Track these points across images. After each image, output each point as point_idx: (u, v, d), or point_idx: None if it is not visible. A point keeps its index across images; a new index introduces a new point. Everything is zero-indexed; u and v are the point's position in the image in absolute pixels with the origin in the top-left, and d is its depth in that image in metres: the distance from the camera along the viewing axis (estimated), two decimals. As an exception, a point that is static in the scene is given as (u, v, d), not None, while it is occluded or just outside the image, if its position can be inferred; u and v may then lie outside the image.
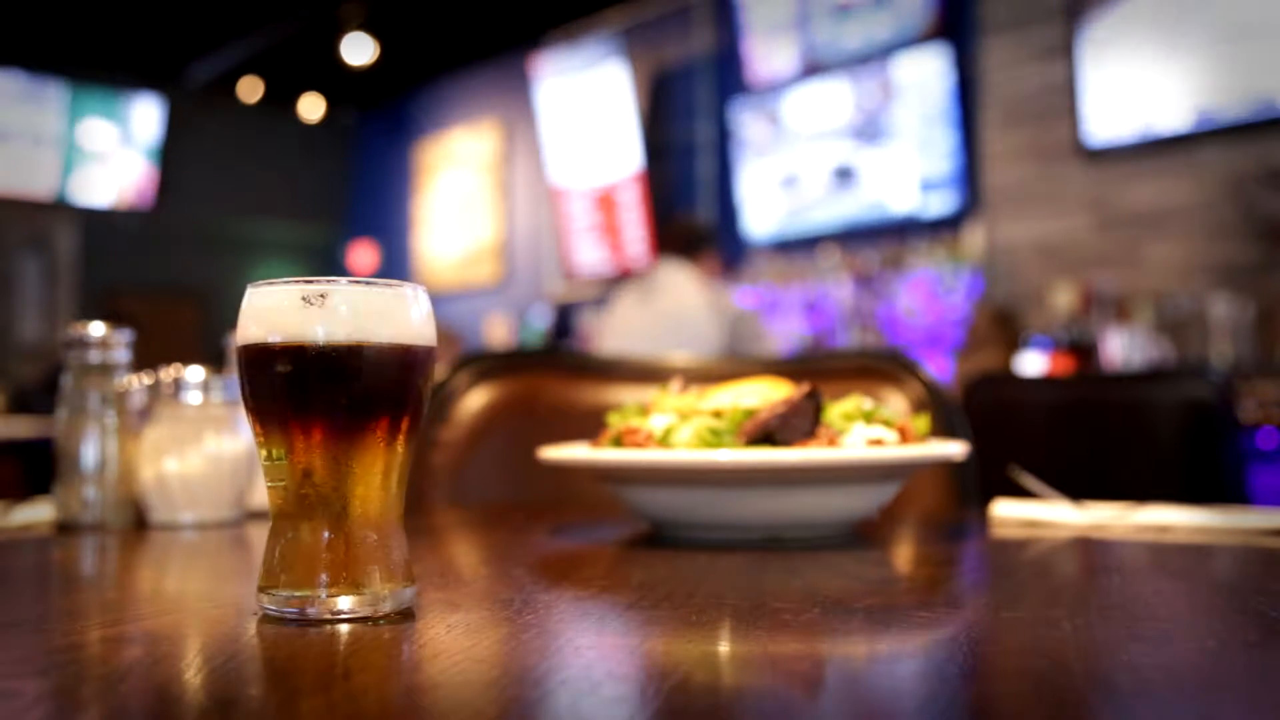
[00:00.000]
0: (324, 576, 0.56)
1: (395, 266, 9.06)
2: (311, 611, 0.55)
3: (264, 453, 0.58)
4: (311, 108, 9.04)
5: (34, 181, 8.03)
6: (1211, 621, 0.56)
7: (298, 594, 0.56)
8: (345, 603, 0.56)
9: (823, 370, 1.39)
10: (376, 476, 0.58)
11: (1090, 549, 0.84)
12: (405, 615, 0.56)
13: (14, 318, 8.04)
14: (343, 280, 0.57)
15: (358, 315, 0.57)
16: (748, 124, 6.11)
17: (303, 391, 0.56)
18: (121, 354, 1.01)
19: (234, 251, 9.16)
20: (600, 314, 4.95)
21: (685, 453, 0.81)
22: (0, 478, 3.79)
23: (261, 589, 0.57)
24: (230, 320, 0.63)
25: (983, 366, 4.28)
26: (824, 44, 5.80)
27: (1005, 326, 4.73)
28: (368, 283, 0.58)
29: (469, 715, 0.39)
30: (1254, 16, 4.30)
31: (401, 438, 0.59)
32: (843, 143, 5.72)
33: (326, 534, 0.57)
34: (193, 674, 0.46)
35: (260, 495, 1.08)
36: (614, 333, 3.67)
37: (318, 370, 0.56)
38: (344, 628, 0.53)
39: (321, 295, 0.56)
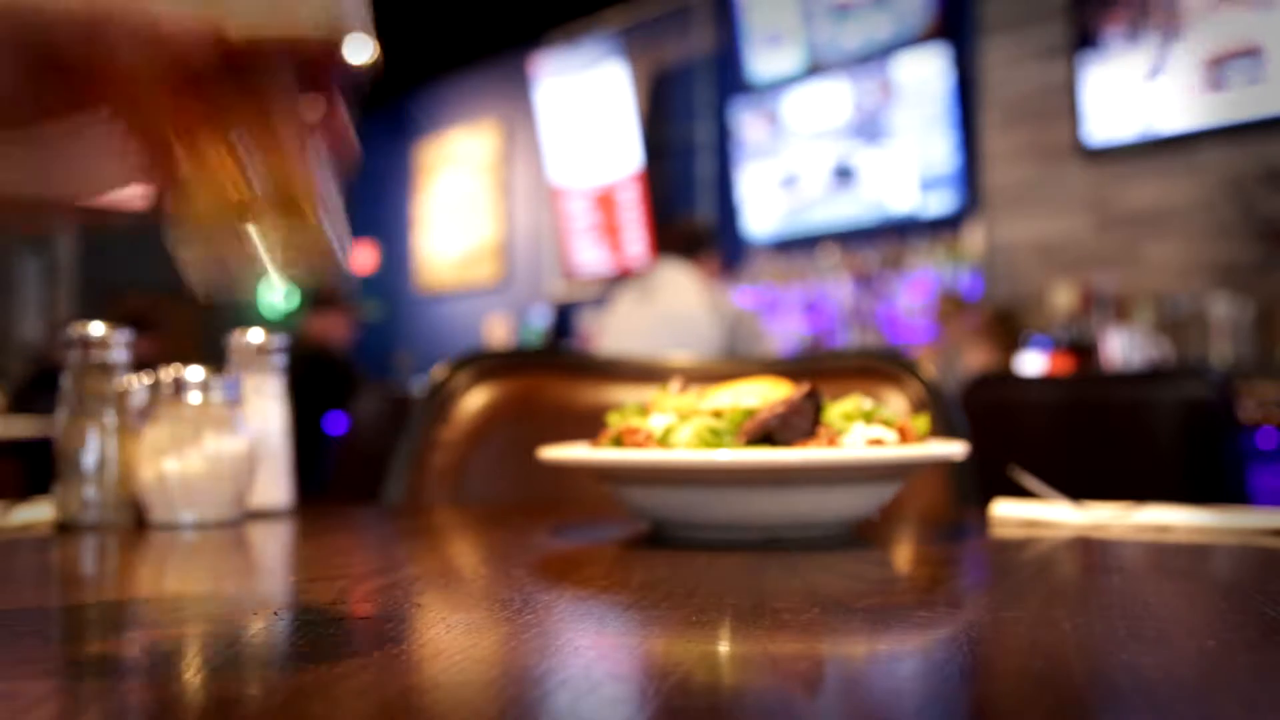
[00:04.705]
0: None
1: (395, 266, 9.05)
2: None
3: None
4: (311, 108, 9.03)
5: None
6: (1211, 621, 0.56)
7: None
8: None
9: (823, 370, 1.39)
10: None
11: (1090, 549, 0.84)
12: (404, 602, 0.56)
13: (14, 318, 8.03)
14: None
15: None
16: (748, 124, 6.11)
17: None
18: (121, 354, 1.01)
19: (234, 251, 9.15)
20: (600, 314, 4.95)
21: (685, 453, 0.81)
22: (0, 478, 3.79)
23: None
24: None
25: (951, 352, 4.32)
26: (824, 44, 5.80)
27: (1005, 325, 4.73)
28: None
29: (469, 715, 0.39)
30: (1254, 17, 4.30)
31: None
32: (843, 142, 5.72)
33: None
34: (193, 674, 0.46)
35: (260, 495, 1.08)
36: (613, 333, 3.67)
37: None
38: (344, 629, 0.53)
39: None
